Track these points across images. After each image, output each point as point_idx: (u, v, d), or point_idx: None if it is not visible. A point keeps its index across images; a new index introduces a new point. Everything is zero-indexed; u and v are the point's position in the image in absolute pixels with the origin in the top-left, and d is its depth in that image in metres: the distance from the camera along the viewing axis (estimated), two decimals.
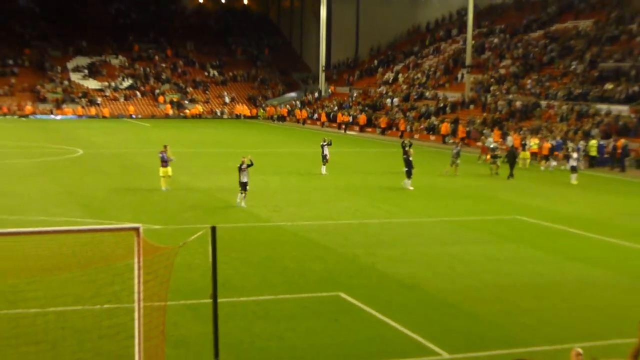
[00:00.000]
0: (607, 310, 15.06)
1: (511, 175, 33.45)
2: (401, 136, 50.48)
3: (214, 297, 10.29)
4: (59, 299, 13.41)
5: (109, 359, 11.47)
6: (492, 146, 36.95)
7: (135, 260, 10.63)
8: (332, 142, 35.46)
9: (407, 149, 32.07)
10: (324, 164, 34.34)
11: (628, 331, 9.69)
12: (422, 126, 52.91)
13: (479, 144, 43.45)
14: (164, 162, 28.45)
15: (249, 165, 25.33)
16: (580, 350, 8.56)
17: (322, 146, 34.26)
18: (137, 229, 10.59)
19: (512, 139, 39.48)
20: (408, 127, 53.06)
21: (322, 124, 61.96)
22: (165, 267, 11.11)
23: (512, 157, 34.31)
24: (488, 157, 36.13)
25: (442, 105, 55.98)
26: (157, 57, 77.40)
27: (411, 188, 30.10)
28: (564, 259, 19.94)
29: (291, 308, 15.27)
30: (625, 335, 9.85)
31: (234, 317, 13.56)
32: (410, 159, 30.52)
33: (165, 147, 29.15)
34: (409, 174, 30.25)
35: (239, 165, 25.42)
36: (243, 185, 25.35)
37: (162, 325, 10.94)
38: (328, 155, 34.18)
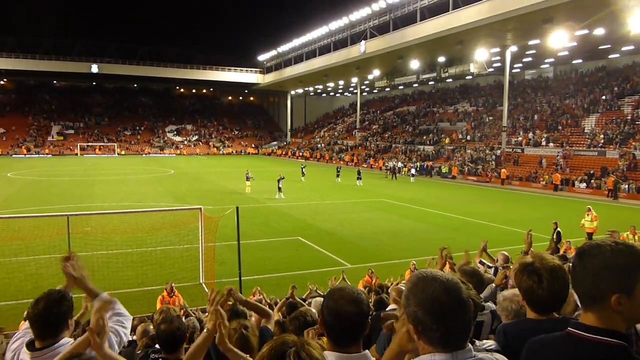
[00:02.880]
0: (423, 242, 19.15)
1: (395, 178, 47.04)
2: (326, 162, 68.23)
3: (238, 240, 13.18)
4: (162, 243, 16.84)
5: (187, 271, 14.39)
6: (391, 165, 50.14)
7: (200, 223, 14.61)
8: (306, 165, 46.83)
9: (339, 170, 44.60)
10: (303, 176, 43.21)
11: (433, 253, 9.50)
12: (337, 157, 70.13)
13: (364, 165, 61.46)
14: (247, 178, 34.43)
15: (282, 178, 32.34)
16: (414, 262, 12.05)
17: (302, 167, 44.30)
18: (200, 208, 15.02)
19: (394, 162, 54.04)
20: (330, 157, 72.15)
21: (289, 157, 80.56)
22: (214, 226, 14.59)
23: (394, 170, 48.93)
24: (390, 171, 49.49)
25: (345, 147, 75.74)
26: (209, 125, 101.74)
27: (362, 184, 40.06)
28: (403, 219, 25.09)
29: (275, 244, 19.10)
30: (434, 254, 9.23)
31: (247, 249, 16.07)
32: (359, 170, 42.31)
33: (248, 170, 35.11)
34: (359, 179, 40.96)
35: (277, 179, 32.45)
36: (279, 189, 31.84)
37: (213, 254, 14.24)
38: (305, 172, 43.63)
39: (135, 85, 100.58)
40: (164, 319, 3.67)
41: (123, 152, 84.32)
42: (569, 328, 1.76)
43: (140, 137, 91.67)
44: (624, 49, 46.65)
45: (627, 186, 34.55)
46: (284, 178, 32.82)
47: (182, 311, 8.70)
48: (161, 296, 11.18)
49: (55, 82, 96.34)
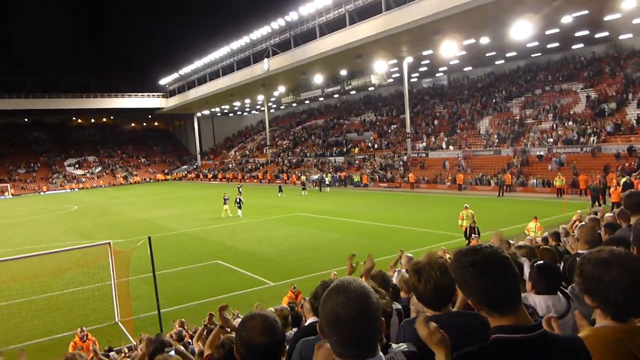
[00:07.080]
0: (342, 253, 16.42)
1: (321, 190, 46.97)
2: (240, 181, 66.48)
3: (153, 271, 12.84)
4: (71, 284, 16.09)
5: (101, 311, 13.90)
6: (316, 177, 51.38)
7: (110, 259, 14.42)
8: (242, 185, 46.68)
9: (282, 188, 45.45)
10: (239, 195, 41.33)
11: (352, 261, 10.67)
12: (250, 175, 69.94)
13: (278, 181, 58.80)
14: (225, 202, 33.52)
15: (240, 200, 33.13)
16: (335, 272, 12.55)
17: (238, 187, 42.51)
18: (109, 243, 14.60)
19: (320, 174, 54.78)
20: (243, 177, 70.50)
21: (201, 180, 79.02)
22: (126, 260, 14.41)
23: (320, 182, 47.94)
24: (315, 184, 50.17)
25: (257, 165, 74.88)
26: (113, 154, 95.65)
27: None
28: (322, 231, 25.49)
29: (194, 271, 19.05)
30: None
31: (165, 280, 16.26)
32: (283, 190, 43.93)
33: (225, 193, 34.43)
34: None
35: (236, 198, 33.36)
36: (239, 207, 33.12)
37: (127, 290, 14.20)
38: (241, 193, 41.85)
39: (26, 119, 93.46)
40: None
41: (10, 194, 77.33)
42: (493, 335, 1.81)
43: (37, 175, 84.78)
44: (507, 55, 50.78)
45: (534, 181, 36.99)
46: (241, 201, 33.98)
47: (90, 355, 8.20)
48: (73, 342, 10.56)
49: None
